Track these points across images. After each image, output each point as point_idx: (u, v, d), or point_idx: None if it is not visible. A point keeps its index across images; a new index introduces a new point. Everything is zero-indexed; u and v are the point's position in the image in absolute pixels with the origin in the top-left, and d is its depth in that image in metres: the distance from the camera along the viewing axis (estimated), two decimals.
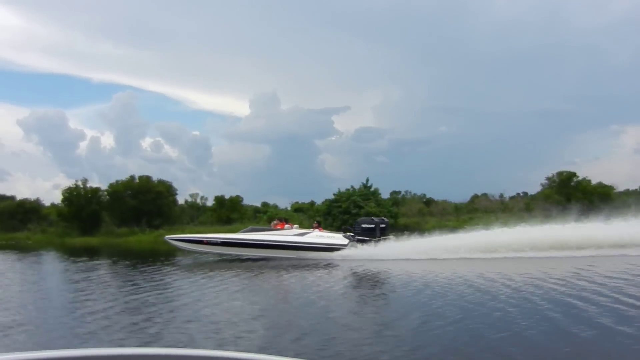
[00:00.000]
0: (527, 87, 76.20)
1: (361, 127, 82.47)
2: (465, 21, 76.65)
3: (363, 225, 20.62)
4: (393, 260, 18.03)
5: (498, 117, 74.77)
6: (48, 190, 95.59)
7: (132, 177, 45.47)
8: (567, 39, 73.30)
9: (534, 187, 48.97)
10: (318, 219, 25.15)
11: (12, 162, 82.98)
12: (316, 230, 21.51)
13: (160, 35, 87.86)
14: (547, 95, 75.92)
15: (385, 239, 20.38)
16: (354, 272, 16.18)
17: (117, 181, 45.23)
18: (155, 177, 47.94)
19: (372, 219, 21.70)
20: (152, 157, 77.23)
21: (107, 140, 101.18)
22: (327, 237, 20.52)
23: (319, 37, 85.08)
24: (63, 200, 43.91)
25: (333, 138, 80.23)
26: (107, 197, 44.37)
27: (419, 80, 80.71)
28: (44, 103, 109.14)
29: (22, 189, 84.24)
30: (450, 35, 78.06)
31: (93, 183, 51.81)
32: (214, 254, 21.47)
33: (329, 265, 17.96)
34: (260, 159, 77.27)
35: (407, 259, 18.08)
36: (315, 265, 17.92)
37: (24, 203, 48.85)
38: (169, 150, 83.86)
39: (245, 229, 23.04)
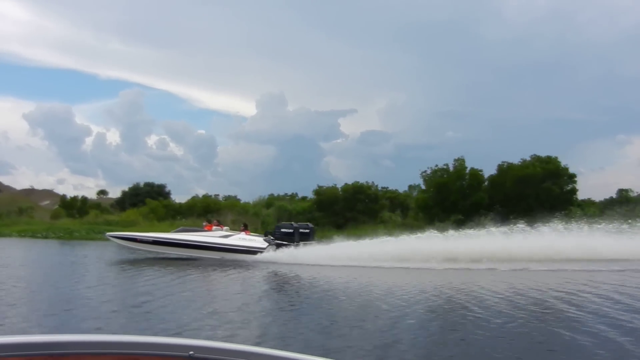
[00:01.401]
0: (537, 95, 76.68)
1: (367, 130, 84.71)
2: (477, 28, 77.36)
3: (282, 230, 22.10)
4: (309, 265, 19.35)
5: (506, 124, 74.96)
6: (52, 184, 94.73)
7: None
8: (579, 49, 73.69)
9: None
10: (245, 222, 26.47)
11: (17, 155, 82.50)
12: (242, 232, 22.97)
13: (169, 34, 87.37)
14: (557, 103, 76.65)
15: (305, 243, 21.83)
16: (257, 275, 17.71)
17: None
18: (159, 175, 50.12)
19: (292, 224, 23.23)
20: (157, 154, 78.47)
21: (113, 137, 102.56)
22: (249, 240, 21.92)
23: (327, 39, 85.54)
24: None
25: (339, 140, 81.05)
26: None
27: (426, 86, 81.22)
28: (50, 98, 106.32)
29: (24, 183, 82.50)
30: (461, 42, 78.96)
31: (98, 180, 52.48)
32: (145, 251, 22.62)
33: (240, 267, 19.35)
34: (265, 159, 76.95)
35: (323, 265, 19.09)
36: (227, 266, 19.28)
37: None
38: (174, 149, 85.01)
39: (177, 229, 24.33)
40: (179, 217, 41.32)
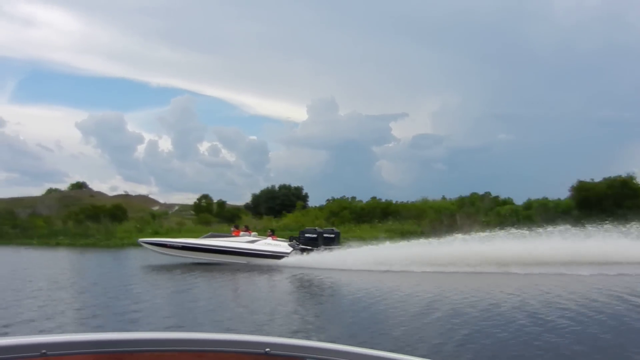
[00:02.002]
0: (588, 93, 74.77)
1: (418, 133, 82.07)
2: (525, 26, 75.69)
3: (307, 235, 22.40)
4: (333, 269, 19.52)
5: (558, 124, 73.34)
6: (105, 192, 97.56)
7: None
8: (629, 45, 71.78)
9: None
10: (272, 228, 26.89)
11: (70, 164, 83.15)
12: (269, 238, 23.38)
13: (218, 40, 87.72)
14: (608, 102, 74.53)
15: (329, 248, 22.00)
16: (284, 278, 18.04)
17: None
18: (212, 182, 49.98)
19: (316, 229, 23.49)
20: (209, 161, 77.77)
21: (165, 144, 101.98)
22: (274, 245, 22.30)
23: (378, 42, 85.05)
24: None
25: (390, 145, 79.57)
26: None
27: (477, 87, 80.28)
28: (102, 106, 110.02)
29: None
30: (510, 41, 76.84)
31: (151, 187, 52.69)
32: (174, 257, 23.30)
33: (268, 271, 19.73)
34: (317, 164, 76.58)
35: (347, 269, 19.13)
36: (254, 270, 19.71)
37: None
38: (227, 155, 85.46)
39: (205, 235, 24.96)
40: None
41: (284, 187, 54.45)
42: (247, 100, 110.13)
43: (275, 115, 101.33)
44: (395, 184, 77.31)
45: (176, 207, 58.01)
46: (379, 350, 1.29)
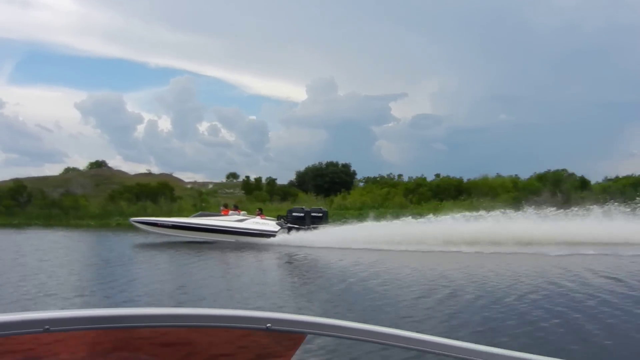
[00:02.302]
0: (590, 75, 73.97)
1: (418, 114, 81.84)
2: (526, 7, 75.35)
3: (294, 214, 22.90)
4: (320, 247, 20.07)
5: (559, 105, 73.00)
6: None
7: None
8: (633, 26, 70.16)
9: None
10: (260, 206, 27.38)
11: (69, 144, 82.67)
12: (257, 217, 23.88)
13: (218, 21, 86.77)
14: (610, 83, 73.22)
15: (316, 227, 22.53)
16: (265, 257, 18.60)
17: None
18: (211, 161, 48.36)
19: (303, 208, 24.00)
20: (209, 141, 77.36)
21: (164, 124, 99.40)
22: (263, 224, 22.81)
23: (377, 23, 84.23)
24: None
25: (390, 124, 79.35)
26: None
27: (478, 68, 79.45)
28: (101, 87, 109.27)
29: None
30: (511, 22, 76.21)
31: (151, 166, 51.10)
32: (165, 235, 23.75)
33: (253, 250, 20.26)
34: (316, 144, 75.78)
35: (334, 247, 19.65)
36: (241, 249, 20.26)
37: None
38: (226, 135, 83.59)
39: (195, 214, 25.43)
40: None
41: (332, 164, 52.93)
42: (246, 80, 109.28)
43: (274, 95, 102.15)
44: (395, 163, 77.86)
45: (210, 186, 56.02)
46: (379, 326, 1.27)
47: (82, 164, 76.52)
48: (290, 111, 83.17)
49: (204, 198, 44.11)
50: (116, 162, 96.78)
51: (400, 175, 51.13)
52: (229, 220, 23.08)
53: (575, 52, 73.52)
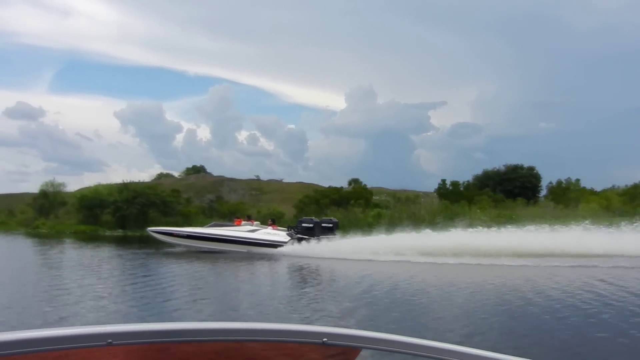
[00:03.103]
0: (631, 80, 74.52)
1: (457, 122, 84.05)
2: (564, 16, 75.61)
3: (303, 225, 23.48)
4: (329, 258, 20.38)
5: (598, 113, 72.68)
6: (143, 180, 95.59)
7: None
8: None
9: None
10: (273, 217, 28.01)
11: (109, 153, 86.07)
12: (269, 227, 24.49)
13: (257, 29, 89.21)
14: None
15: (326, 238, 22.95)
16: (269, 267, 19.13)
17: None
18: (250, 170, 47.75)
19: (312, 219, 24.54)
20: (248, 150, 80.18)
21: (203, 133, 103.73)
22: (273, 234, 23.43)
23: (416, 31, 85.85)
24: None
25: (429, 133, 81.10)
26: None
27: (517, 76, 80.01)
28: (140, 96, 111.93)
29: (117, 180, 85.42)
30: (549, 28, 76.90)
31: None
32: (180, 245, 24.55)
33: (262, 259, 20.84)
34: (355, 153, 78.17)
35: (342, 259, 19.92)
36: (250, 259, 20.86)
37: None
38: (265, 144, 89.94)
39: (210, 224, 26.20)
40: None
41: (518, 168, 49.12)
42: (285, 88, 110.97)
43: (313, 103, 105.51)
44: (434, 172, 77.81)
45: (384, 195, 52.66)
46: (436, 341, 1.27)
47: (121, 173, 77.00)
48: (329, 120, 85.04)
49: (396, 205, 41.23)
50: (155, 172, 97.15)
51: (577, 180, 46.59)
52: (241, 231, 23.75)
53: (615, 56, 73.33)
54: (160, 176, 62.14)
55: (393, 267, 18.29)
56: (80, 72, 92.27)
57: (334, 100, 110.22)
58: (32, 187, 59.37)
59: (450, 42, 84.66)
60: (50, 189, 47.63)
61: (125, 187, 44.07)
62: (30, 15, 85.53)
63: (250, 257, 21.34)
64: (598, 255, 18.29)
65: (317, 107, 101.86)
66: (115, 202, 41.60)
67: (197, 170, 62.67)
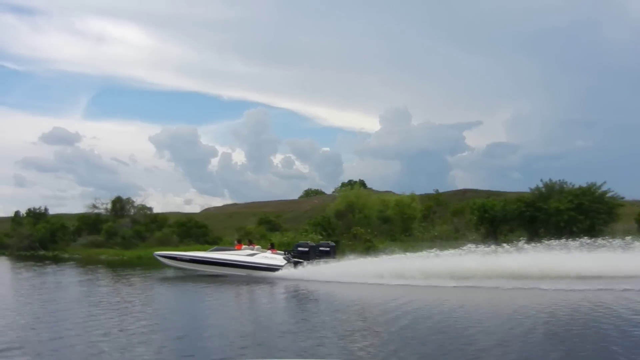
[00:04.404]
0: None
1: (493, 142, 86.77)
2: (600, 33, 76.48)
3: (299, 249, 23.89)
4: (323, 282, 20.66)
5: (637, 130, 72.18)
6: (179, 205, 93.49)
7: None
8: None
9: None
10: (272, 241, 28.51)
11: (144, 178, 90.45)
12: (268, 251, 24.99)
13: (290, 53, 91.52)
14: None
15: (322, 261, 23.23)
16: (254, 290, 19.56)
17: None
18: (286, 193, 46.74)
19: (307, 243, 24.94)
20: (283, 173, 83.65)
21: (239, 157, 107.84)
22: (271, 258, 23.89)
23: (449, 53, 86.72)
24: None
25: (464, 154, 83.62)
26: None
27: (551, 93, 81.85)
28: (175, 120, 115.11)
29: (152, 204, 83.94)
30: (585, 46, 77.54)
31: (225, 200, 49.75)
32: (183, 269, 25.21)
33: (255, 283, 21.30)
34: (391, 175, 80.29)
35: (339, 282, 20.14)
36: (245, 282, 21.35)
37: None
38: (300, 167, 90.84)
39: (212, 248, 26.84)
40: None
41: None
42: (320, 111, 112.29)
43: (348, 126, 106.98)
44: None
45: None
46: None
47: (156, 197, 76.38)
48: (364, 142, 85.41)
49: None
50: (190, 196, 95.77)
51: None
52: (240, 255, 24.30)
53: None
54: (308, 193, 60.74)
55: (392, 290, 18.24)
56: (115, 97, 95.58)
57: (368, 122, 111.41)
58: (68, 210, 60.65)
59: (483, 63, 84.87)
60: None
61: None
62: (66, 42, 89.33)
63: (245, 282, 21.76)
64: None
65: (352, 129, 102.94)
66: None
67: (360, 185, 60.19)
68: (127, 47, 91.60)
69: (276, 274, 22.82)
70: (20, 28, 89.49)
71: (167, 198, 77.59)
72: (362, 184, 56.52)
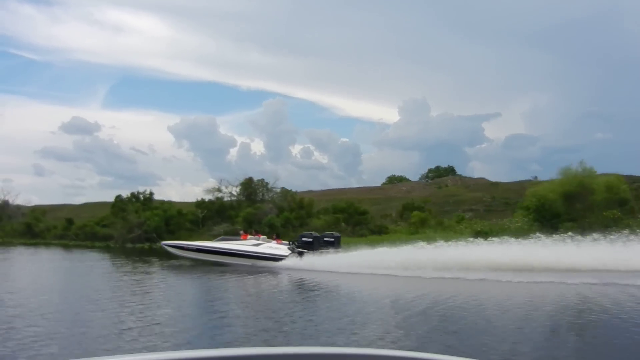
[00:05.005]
0: None
1: (512, 134, 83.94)
2: (620, 24, 73.79)
3: (303, 239, 24.14)
4: (328, 272, 20.93)
5: None
6: (198, 194, 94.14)
7: None
8: None
9: None
10: (277, 232, 28.77)
11: (163, 167, 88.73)
12: (273, 241, 25.27)
13: (308, 43, 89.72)
14: None
15: (326, 251, 23.46)
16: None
17: None
18: (304, 184, 44.98)
19: (312, 233, 25.17)
20: (302, 163, 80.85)
21: (257, 147, 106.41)
22: (275, 248, 24.17)
23: (468, 42, 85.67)
24: None
25: (483, 145, 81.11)
26: None
27: (571, 85, 78.86)
28: (193, 110, 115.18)
29: (170, 194, 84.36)
30: (605, 39, 75.21)
31: None
32: (190, 258, 25.58)
33: (260, 273, 21.56)
34: (409, 165, 79.55)
35: (343, 272, 20.31)
36: (252, 272, 21.63)
37: None
38: (319, 157, 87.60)
39: (218, 238, 27.19)
40: None
41: None
42: (338, 102, 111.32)
43: (366, 116, 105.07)
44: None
45: None
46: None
47: (175, 187, 76.53)
48: (382, 133, 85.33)
49: None
50: (209, 186, 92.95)
51: None
52: (246, 244, 24.60)
53: None
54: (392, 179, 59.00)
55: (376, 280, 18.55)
56: (133, 87, 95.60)
57: (387, 113, 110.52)
58: (87, 200, 60.70)
59: (502, 55, 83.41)
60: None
61: None
62: (84, 32, 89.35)
63: (250, 271, 22.04)
64: None
65: (371, 120, 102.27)
66: None
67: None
68: (145, 38, 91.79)
69: (279, 263, 23.08)
70: (39, 18, 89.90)
71: (185, 188, 77.50)
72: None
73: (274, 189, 43.11)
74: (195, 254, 25.38)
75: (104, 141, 79.15)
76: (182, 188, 74.95)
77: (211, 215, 40.37)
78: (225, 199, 42.37)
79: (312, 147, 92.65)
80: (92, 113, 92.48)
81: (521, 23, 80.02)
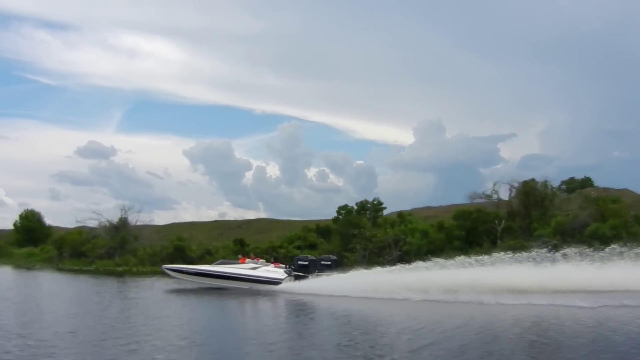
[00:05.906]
0: None
1: (527, 154, 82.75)
2: (635, 40, 75.96)
3: (299, 263, 24.45)
4: (322, 295, 20.94)
5: None
6: (213, 218, 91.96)
7: None
8: None
9: None
10: (275, 255, 29.09)
11: (178, 191, 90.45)
12: (271, 265, 25.56)
13: (320, 66, 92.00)
14: None
15: (324, 274, 23.67)
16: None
17: None
18: (320, 207, 44.18)
19: (308, 257, 25.49)
20: (317, 186, 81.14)
21: (273, 170, 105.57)
22: (272, 271, 24.46)
23: (482, 62, 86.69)
24: None
25: (499, 166, 79.05)
26: None
27: (587, 103, 79.40)
28: (209, 134, 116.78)
29: (186, 217, 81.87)
30: (620, 56, 75.73)
31: (259, 213, 46.93)
32: (190, 282, 25.83)
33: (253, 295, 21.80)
34: (425, 187, 78.37)
35: (338, 296, 20.44)
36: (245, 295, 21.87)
37: None
38: (334, 180, 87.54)
39: (217, 262, 27.51)
40: None
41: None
42: (353, 125, 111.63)
43: (381, 139, 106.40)
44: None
45: None
46: None
47: (190, 211, 76.37)
48: (397, 155, 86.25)
49: None
50: (224, 209, 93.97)
51: None
52: (244, 268, 24.91)
53: None
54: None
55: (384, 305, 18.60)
56: (148, 111, 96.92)
57: (402, 135, 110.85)
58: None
59: (517, 74, 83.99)
60: None
61: None
62: (99, 57, 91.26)
63: (246, 294, 22.32)
64: None
65: (386, 142, 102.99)
66: None
67: None
68: (160, 62, 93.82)
69: (276, 287, 23.33)
70: (54, 44, 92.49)
71: (200, 211, 77.81)
72: None
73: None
74: (193, 277, 25.67)
75: (119, 165, 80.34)
76: (197, 212, 75.38)
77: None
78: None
79: (327, 170, 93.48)
80: (108, 137, 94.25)
81: (534, 43, 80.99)
